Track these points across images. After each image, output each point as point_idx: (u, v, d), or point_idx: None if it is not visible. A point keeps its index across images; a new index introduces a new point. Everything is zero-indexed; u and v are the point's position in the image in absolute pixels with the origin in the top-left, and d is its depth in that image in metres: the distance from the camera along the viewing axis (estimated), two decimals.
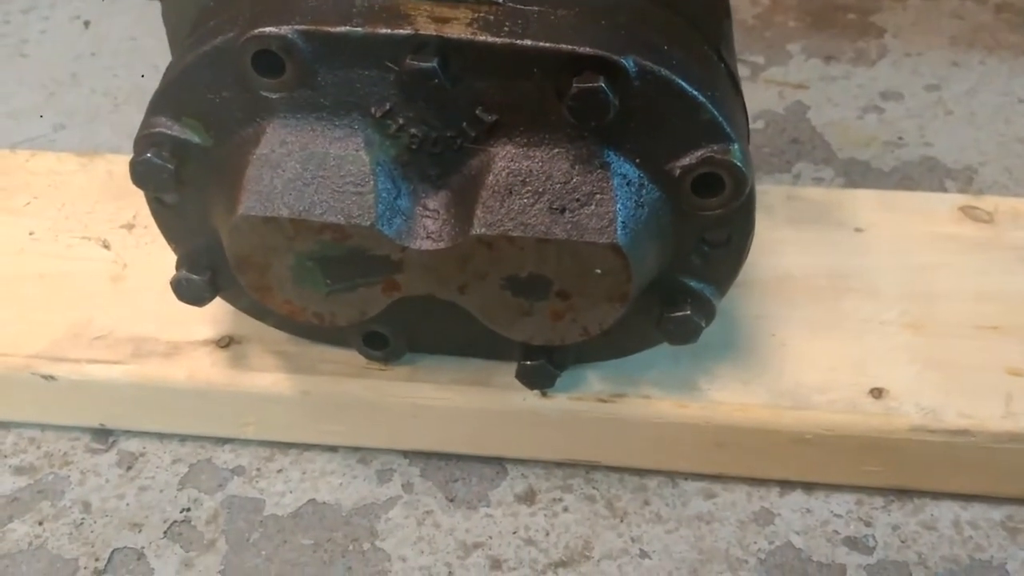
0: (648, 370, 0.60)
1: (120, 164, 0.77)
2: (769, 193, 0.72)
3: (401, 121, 0.49)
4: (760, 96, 0.95)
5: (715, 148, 0.48)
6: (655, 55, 0.47)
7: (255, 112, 0.50)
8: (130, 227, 0.71)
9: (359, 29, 0.47)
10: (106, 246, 0.70)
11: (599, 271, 0.49)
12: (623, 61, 0.46)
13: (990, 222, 0.70)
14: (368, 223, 0.48)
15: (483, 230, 0.48)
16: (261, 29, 0.47)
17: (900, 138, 0.90)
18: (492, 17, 0.48)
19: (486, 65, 0.47)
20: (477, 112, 0.48)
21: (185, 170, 0.52)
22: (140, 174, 0.51)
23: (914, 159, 0.88)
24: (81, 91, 0.99)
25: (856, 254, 0.68)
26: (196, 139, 0.51)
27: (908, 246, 0.68)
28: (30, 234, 0.71)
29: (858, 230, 0.70)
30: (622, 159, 0.49)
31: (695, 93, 0.47)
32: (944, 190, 0.85)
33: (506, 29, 0.47)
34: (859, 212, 0.71)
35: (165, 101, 0.51)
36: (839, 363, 0.61)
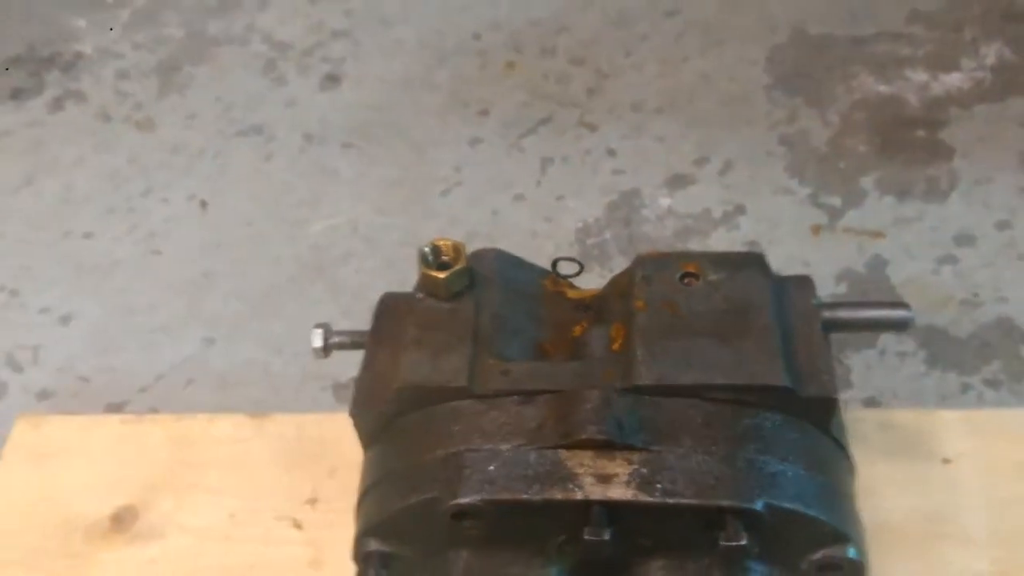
0: None
1: (288, 426, 0.89)
2: (864, 421, 0.81)
3: (574, 548, 0.59)
4: (842, 251, 1.02)
5: (835, 548, 0.59)
6: (780, 490, 0.57)
7: (451, 541, 0.61)
8: (313, 502, 0.83)
9: (537, 498, 0.57)
10: (298, 526, 0.82)
11: None
12: (756, 507, 0.56)
13: None
14: None
15: None
16: (460, 501, 0.58)
17: (975, 295, 0.97)
18: (646, 470, 0.58)
19: (645, 515, 0.57)
20: (638, 540, 0.59)
21: (395, 569, 0.63)
22: None
23: (990, 320, 0.96)
24: (216, 294, 1.11)
25: (946, 490, 0.77)
26: (403, 553, 0.62)
27: (995, 480, 0.77)
28: (231, 516, 0.84)
29: (946, 461, 0.79)
30: (760, 562, 0.59)
31: (815, 514, 0.58)
32: (1021, 356, 0.93)
33: (659, 487, 0.57)
34: (947, 438, 0.80)
35: (376, 530, 0.62)
36: None
